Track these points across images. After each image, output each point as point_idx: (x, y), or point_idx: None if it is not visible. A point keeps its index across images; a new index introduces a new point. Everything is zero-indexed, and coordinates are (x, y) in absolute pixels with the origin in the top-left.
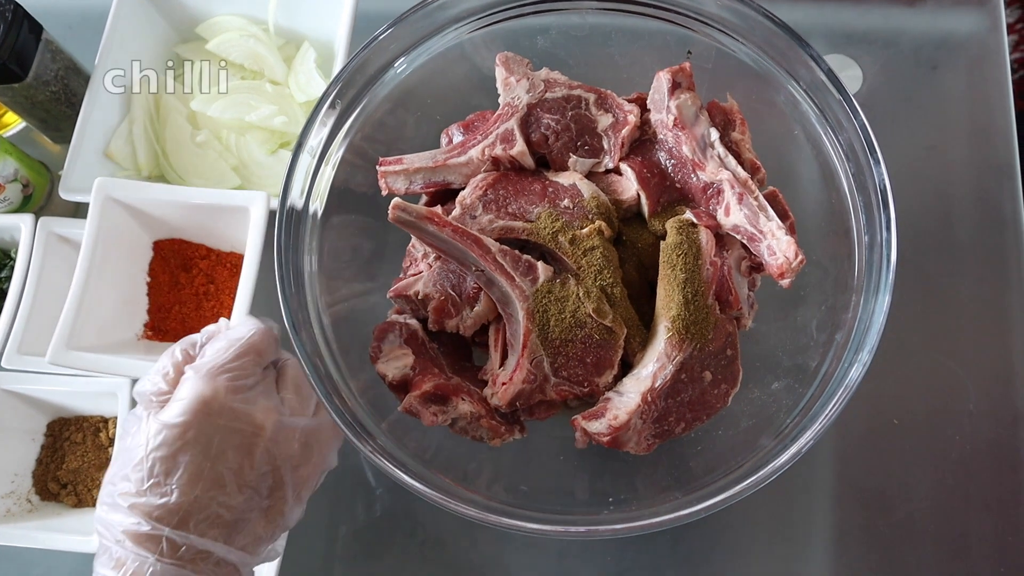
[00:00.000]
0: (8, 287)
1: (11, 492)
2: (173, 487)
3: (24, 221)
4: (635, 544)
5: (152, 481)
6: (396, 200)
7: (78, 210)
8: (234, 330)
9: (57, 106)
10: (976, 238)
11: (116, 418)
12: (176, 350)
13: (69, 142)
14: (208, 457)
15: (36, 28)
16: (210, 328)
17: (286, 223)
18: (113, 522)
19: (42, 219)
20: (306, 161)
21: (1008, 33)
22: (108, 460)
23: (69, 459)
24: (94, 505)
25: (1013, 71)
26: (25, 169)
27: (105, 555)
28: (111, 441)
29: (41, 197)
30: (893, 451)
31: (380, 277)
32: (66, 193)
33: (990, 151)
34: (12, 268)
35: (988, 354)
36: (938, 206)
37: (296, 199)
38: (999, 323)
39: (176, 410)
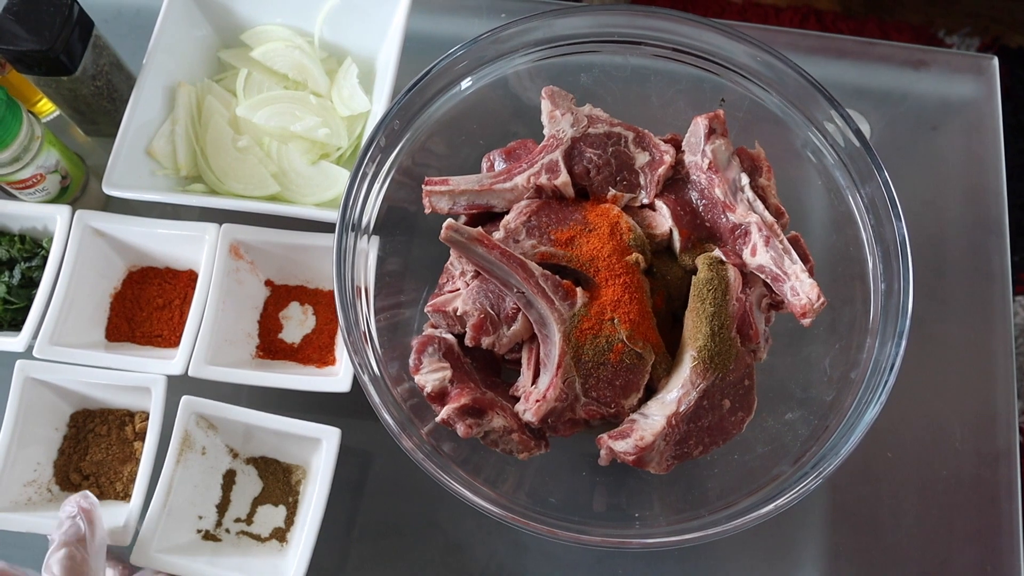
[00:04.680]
0: (39, 276)
1: (33, 481)
2: None
3: (61, 212)
4: (644, 558)
5: None
6: (449, 221)
7: (108, 203)
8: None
9: (99, 101)
10: (966, 288)
11: (142, 412)
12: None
13: (102, 135)
14: None
15: (88, 24)
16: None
17: (344, 233)
18: None
19: (79, 212)
20: (367, 175)
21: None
22: (132, 454)
23: (93, 451)
24: (116, 497)
25: None
26: (65, 161)
27: None
28: (136, 435)
29: (76, 189)
30: (886, 481)
31: (405, 292)
32: (109, 188)
33: (982, 209)
34: (43, 258)
35: (974, 396)
36: (932, 257)
37: (353, 211)
38: (984, 368)
39: None
